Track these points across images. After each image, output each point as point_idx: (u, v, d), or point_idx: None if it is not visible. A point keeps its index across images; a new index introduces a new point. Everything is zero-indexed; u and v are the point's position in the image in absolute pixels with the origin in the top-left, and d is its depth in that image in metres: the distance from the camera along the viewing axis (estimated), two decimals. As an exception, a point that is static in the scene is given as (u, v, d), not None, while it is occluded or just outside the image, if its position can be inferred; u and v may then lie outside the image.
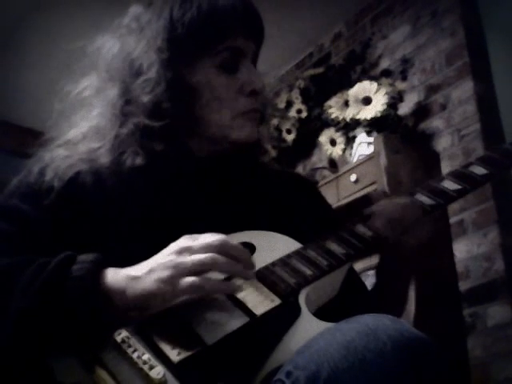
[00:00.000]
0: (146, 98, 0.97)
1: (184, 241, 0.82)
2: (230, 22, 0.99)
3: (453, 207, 2.21)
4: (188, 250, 0.80)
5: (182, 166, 1.01)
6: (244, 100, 1.01)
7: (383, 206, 1.00)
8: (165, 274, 0.78)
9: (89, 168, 0.98)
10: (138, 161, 0.97)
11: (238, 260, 0.81)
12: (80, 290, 0.77)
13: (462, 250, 2.18)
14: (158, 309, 0.78)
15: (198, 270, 0.78)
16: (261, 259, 0.89)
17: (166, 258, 0.80)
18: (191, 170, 1.02)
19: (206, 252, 0.79)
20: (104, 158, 0.99)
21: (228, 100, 1.00)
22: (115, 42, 1.04)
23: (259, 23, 1.05)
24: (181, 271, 0.78)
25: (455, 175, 1.06)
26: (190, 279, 0.77)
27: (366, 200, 1.07)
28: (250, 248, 0.91)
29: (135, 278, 0.79)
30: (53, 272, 0.79)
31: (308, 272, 0.88)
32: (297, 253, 0.91)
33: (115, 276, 0.80)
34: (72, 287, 0.77)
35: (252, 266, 0.84)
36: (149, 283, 0.78)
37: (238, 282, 0.82)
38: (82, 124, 1.03)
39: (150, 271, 0.79)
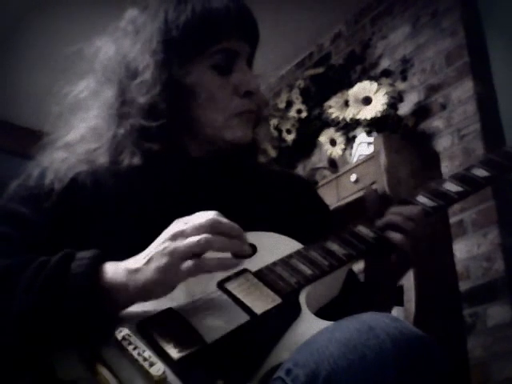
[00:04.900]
0: (142, 100, 0.98)
1: (176, 225, 0.82)
2: (224, 24, 1.00)
3: (453, 207, 2.20)
4: (181, 235, 0.80)
5: (179, 166, 1.02)
6: (238, 101, 1.02)
7: (397, 215, 0.99)
8: (163, 261, 0.78)
9: (88, 169, 0.99)
10: (136, 161, 0.98)
11: (231, 236, 0.81)
12: (80, 286, 0.77)
13: (462, 249, 2.18)
14: (160, 296, 0.79)
15: (194, 252, 0.79)
16: (262, 259, 0.90)
17: (161, 245, 0.80)
18: (188, 170, 1.03)
19: (199, 233, 0.79)
20: (102, 159, 1.00)
21: (222, 101, 1.01)
22: (111, 44, 1.05)
23: (253, 25, 1.06)
24: (178, 256, 0.78)
25: (457, 177, 1.06)
26: (188, 263, 0.78)
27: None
28: (252, 249, 0.91)
29: (135, 271, 0.80)
30: (52, 271, 0.79)
31: (309, 272, 0.89)
32: (298, 253, 0.92)
33: (115, 270, 0.81)
34: (72, 285, 0.77)
35: (245, 239, 0.83)
36: (149, 273, 0.79)
37: (233, 261, 0.82)
38: (80, 126, 1.04)
39: (149, 261, 0.80)
